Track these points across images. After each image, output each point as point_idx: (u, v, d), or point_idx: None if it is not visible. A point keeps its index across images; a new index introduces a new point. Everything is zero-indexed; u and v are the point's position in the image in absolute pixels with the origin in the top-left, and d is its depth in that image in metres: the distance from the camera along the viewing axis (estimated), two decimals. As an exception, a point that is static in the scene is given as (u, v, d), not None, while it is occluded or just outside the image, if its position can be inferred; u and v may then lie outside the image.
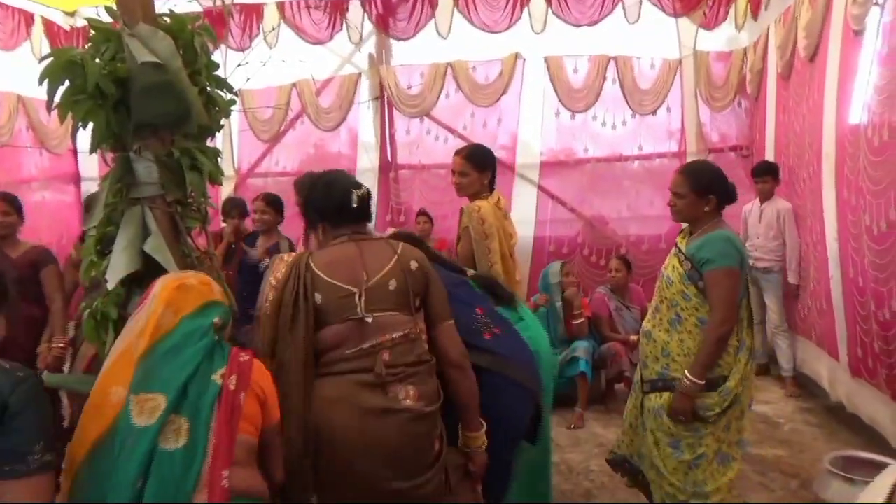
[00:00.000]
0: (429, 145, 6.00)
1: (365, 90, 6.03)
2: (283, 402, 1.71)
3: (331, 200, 2.04)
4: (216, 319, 1.64)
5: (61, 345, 3.43)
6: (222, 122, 2.52)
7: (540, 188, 5.88)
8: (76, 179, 6.38)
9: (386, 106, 6.03)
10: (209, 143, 2.53)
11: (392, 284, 1.92)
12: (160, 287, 1.70)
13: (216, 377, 1.53)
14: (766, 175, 4.59)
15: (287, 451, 1.72)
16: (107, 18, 2.27)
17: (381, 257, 1.96)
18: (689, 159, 5.25)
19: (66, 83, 2.17)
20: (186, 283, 1.70)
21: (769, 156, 5.03)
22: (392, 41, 5.96)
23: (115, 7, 2.28)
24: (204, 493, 1.41)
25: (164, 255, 2.15)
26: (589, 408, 4.19)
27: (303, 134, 6.29)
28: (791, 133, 4.63)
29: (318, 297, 1.86)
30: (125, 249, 2.13)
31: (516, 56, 5.82)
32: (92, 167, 6.37)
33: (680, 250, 2.43)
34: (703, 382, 2.26)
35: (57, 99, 2.11)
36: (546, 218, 5.86)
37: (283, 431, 1.71)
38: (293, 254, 2.06)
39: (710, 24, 5.56)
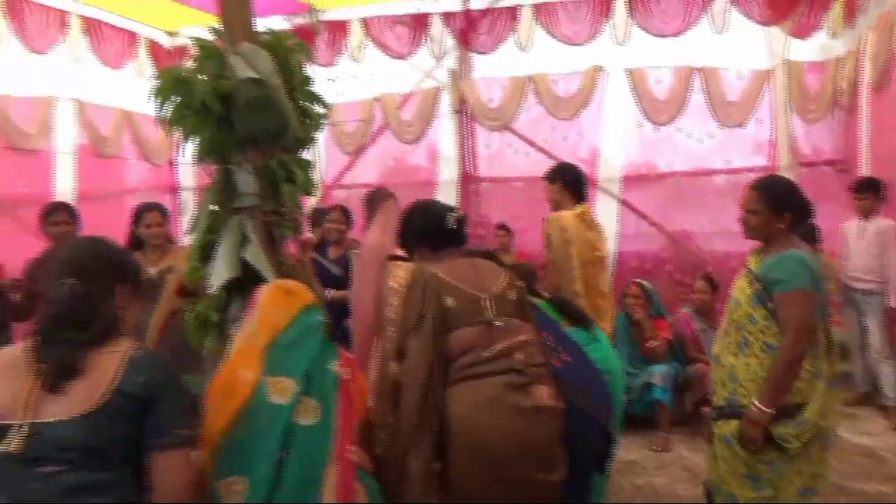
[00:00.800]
0: (509, 158, 5.99)
1: (445, 103, 6.09)
2: (408, 404, 1.81)
3: (429, 224, 2.14)
4: (321, 318, 1.81)
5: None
6: (314, 135, 2.62)
7: (622, 202, 5.77)
8: (174, 189, 6.71)
9: (466, 119, 6.06)
10: (302, 155, 2.62)
11: (511, 296, 2.01)
12: (265, 293, 1.83)
13: (332, 367, 1.70)
14: (868, 192, 4.33)
15: (396, 449, 1.81)
16: (201, 34, 2.39)
17: (494, 272, 2.07)
18: (782, 174, 5.03)
19: (173, 98, 2.32)
20: (289, 289, 1.84)
21: (864, 171, 4.76)
22: (473, 55, 6.00)
23: (219, 27, 2.40)
24: (334, 464, 1.58)
25: (260, 263, 2.24)
26: (674, 430, 4.05)
27: (384, 147, 6.40)
28: (888, 147, 4.36)
29: (449, 300, 1.93)
30: (226, 257, 2.23)
31: (597, 68, 5.75)
32: (188, 178, 6.71)
33: (750, 270, 2.33)
34: (772, 410, 2.15)
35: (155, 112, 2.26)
36: (628, 233, 5.73)
37: (403, 432, 1.81)
38: (403, 262, 2.11)
39: (801, 32, 5.32)
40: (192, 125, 2.25)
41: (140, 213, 3.69)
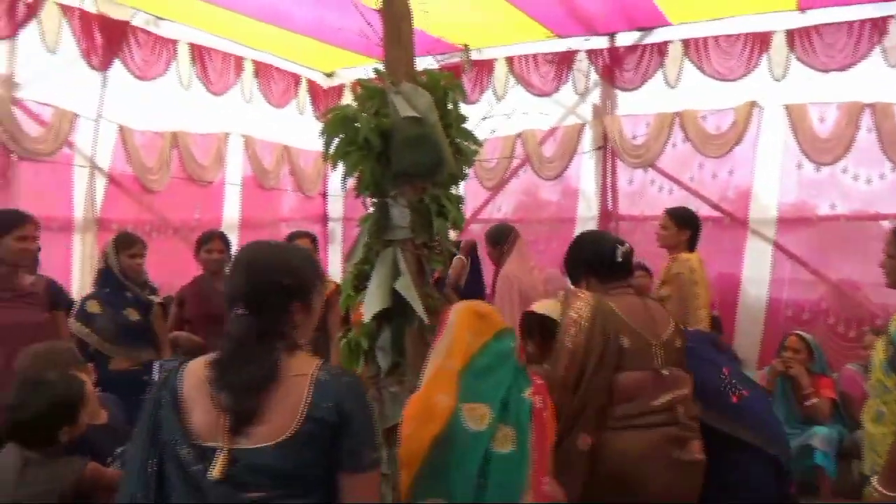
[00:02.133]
0: (652, 196, 5.78)
1: (588, 140, 6.00)
2: (572, 442, 1.82)
3: (599, 255, 2.13)
4: (513, 343, 1.81)
5: None
6: (465, 170, 2.66)
7: (776, 246, 5.35)
8: (324, 220, 7.08)
9: (608, 156, 5.94)
10: (453, 191, 2.66)
11: (677, 343, 1.99)
12: (457, 315, 1.83)
13: (526, 395, 1.69)
14: None
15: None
16: (361, 74, 2.50)
17: (663, 317, 2.05)
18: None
19: (339, 135, 2.45)
20: (480, 311, 1.85)
21: None
22: (617, 91, 5.89)
23: (381, 67, 2.51)
24: (529, 494, 1.59)
25: (411, 294, 2.28)
26: (838, 501, 3.64)
27: (523, 182, 6.41)
28: None
29: (624, 340, 1.94)
30: (379, 287, 2.29)
31: (752, 104, 5.43)
32: (337, 209, 7.07)
33: (888, 333, 2.08)
34: (894, 495, 1.89)
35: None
36: (783, 278, 5.29)
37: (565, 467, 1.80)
38: (583, 292, 2.11)
39: None
40: (355, 160, 2.35)
41: (291, 239, 3.94)
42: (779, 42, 5.26)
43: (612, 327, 1.94)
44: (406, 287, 2.28)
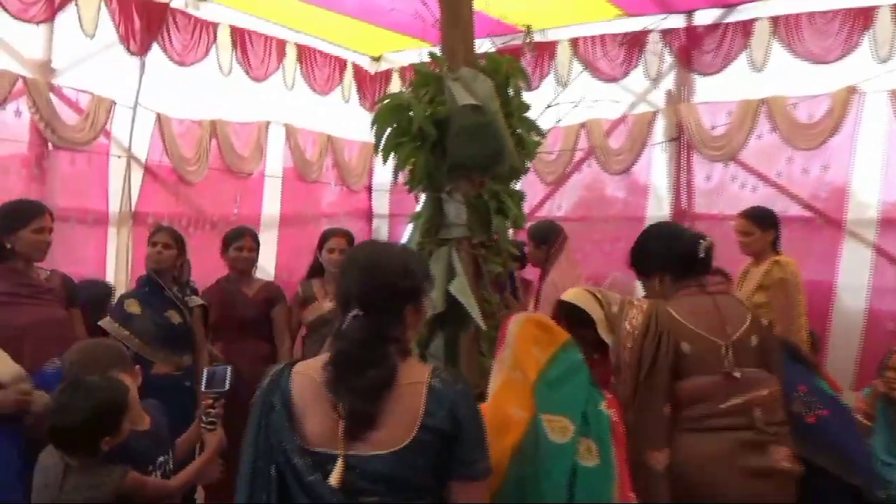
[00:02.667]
0: (732, 194, 5.63)
1: (660, 130, 5.89)
2: (638, 454, 1.84)
3: (676, 250, 2.12)
4: (581, 355, 1.85)
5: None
6: (527, 163, 2.65)
7: (876, 250, 5.15)
8: (368, 216, 7.15)
9: (683, 148, 5.82)
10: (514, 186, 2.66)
11: (753, 341, 1.98)
12: (518, 327, 1.87)
13: (602, 407, 1.75)
14: None
15: None
16: (411, 58, 2.52)
17: (737, 311, 2.04)
18: None
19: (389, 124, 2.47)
20: (542, 322, 1.89)
21: None
22: (695, 76, 5.77)
23: (437, 51, 2.52)
24: None
25: (467, 298, 2.29)
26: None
27: (586, 177, 6.33)
28: None
29: (685, 346, 1.95)
30: (433, 290, 2.31)
31: (851, 90, 5.24)
32: (383, 205, 7.13)
33: None
34: None
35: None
36: (884, 287, 5.08)
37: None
38: (643, 300, 2.12)
39: None
40: (408, 152, 2.39)
41: (326, 237, 4.00)
42: (884, 19, 5.05)
43: (668, 334, 1.96)
44: (461, 290, 2.30)
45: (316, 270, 4.04)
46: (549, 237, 4.19)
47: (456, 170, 2.40)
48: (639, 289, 5.21)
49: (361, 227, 7.04)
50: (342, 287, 1.52)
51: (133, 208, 5.01)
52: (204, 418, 2.26)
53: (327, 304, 3.86)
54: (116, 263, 4.77)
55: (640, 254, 2.28)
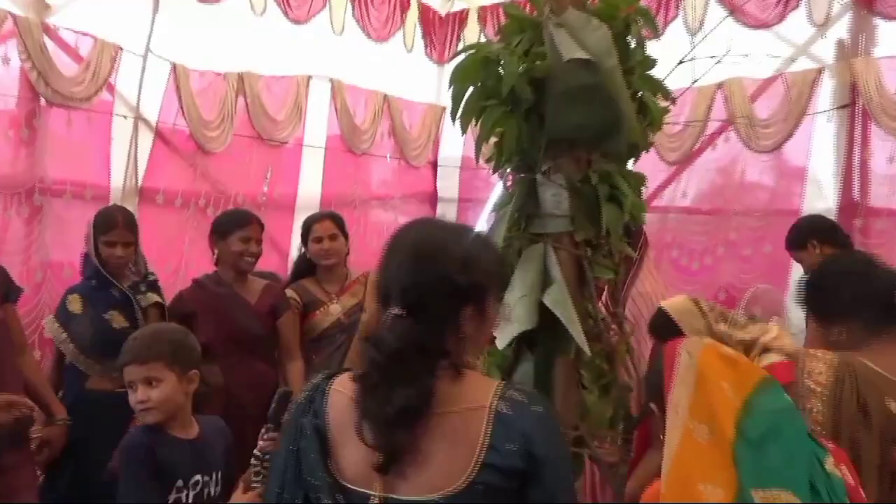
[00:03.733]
0: (926, 181, 5.45)
1: (825, 94, 5.72)
2: None
3: (873, 295, 2.11)
4: (789, 398, 1.79)
5: None
6: (650, 136, 2.62)
7: None
8: (432, 200, 7.22)
9: (858, 118, 5.63)
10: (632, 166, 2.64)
11: None
12: (699, 358, 1.80)
13: (829, 466, 1.67)
14: None
15: None
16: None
17: None
18: None
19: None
20: (727, 354, 1.82)
21: None
22: (878, 20, 5.57)
23: (537, -11, 2.51)
24: None
25: (567, 312, 2.28)
26: None
27: (722, 156, 6.21)
28: None
29: (893, 404, 1.96)
30: (521, 300, 2.31)
31: None
32: (451, 186, 7.18)
33: None
34: None
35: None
36: None
37: None
38: (823, 351, 2.10)
39: None
40: (495, 119, 2.38)
41: (308, 227, 4.06)
42: None
43: (869, 392, 1.95)
44: (560, 301, 2.29)
45: (304, 269, 4.10)
46: (632, 239, 4.18)
47: (557, 144, 2.38)
48: (788, 306, 5.11)
49: (422, 214, 7.10)
50: (382, 276, 1.51)
51: (140, 182, 5.19)
52: (256, 465, 2.38)
53: (336, 307, 3.98)
54: None
55: (824, 297, 2.27)
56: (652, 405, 1.89)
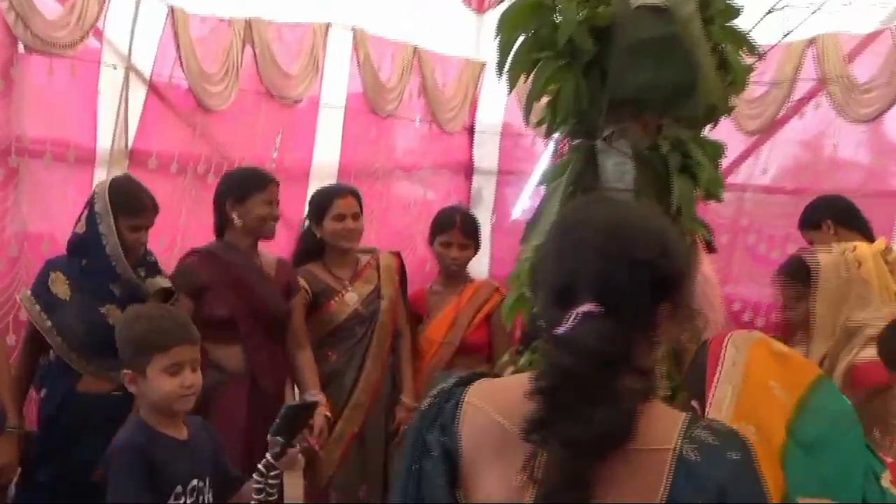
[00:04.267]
0: None
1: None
2: None
3: None
4: (846, 399, 1.82)
5: (326, 413, 3.80)
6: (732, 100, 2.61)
7: None
8: (467, 170, 7.18)
9: None
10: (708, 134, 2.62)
11: None
12: (745, 349, 1.82)
13: (886, 482, 1.70)
14: None
15: None
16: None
17: None
18: None
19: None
20: (778, 350, 1.84)
21: None
22: None
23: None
24: None
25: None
26: None
27: (811, 126, 6.14)
28: None
29: None
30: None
31: None
32: (489, 154, 7.14)
33: None
34: None
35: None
36: None
37: None
38: None
39: None
40: (549, 75, 2.38)
41: (328, 200, 4.03)
42: None
43: None
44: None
45: (312, 250, 4.09)
46: None
47: (621, 105, 2.38)
48: None
49: (455, 188, 7.09)
50: (559, 267, 1.42)
51: (130, 144, 5.19)
52: (260, 481, 2.44)
53: (352, 296, 4.01)
54: None
55: None
56: (694, 403, 1.89)
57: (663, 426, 1.36)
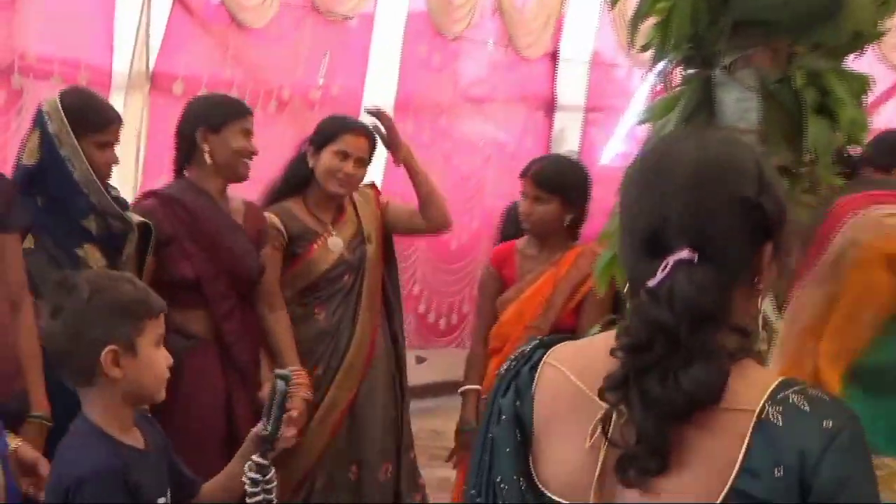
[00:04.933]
0: None
1: None
2: None
3: None
4: None
5: (306, 394, 3.64)
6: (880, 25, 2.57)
7: None
8: (548, 106, 7.18)
9: None
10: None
11: None
12: (861, 238, 1.80)
13: None
14: None
15: None
16: None
17: None
18: None
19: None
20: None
21: None
22: None
23: None
24: None
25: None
26: None
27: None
28: None
29: None
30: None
31: None
32: (575, 89, 7.12)
33: None
34: None
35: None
36: None
37: None
38: None
39: None
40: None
41: (335, 132, 3.91)
42: None
43: None
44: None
45: (292, 185, 3.98)
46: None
47: (747, 28, 2.36)
48: None
49: (533, 126, 7.08)
50: (645, 212, 1.43)
51: (151, 66, 5.27)
52: (257, 491, 2.40)
53: (336, 241, 3.94)
54: (123, 149, 4.93)
55: None
56: None
57: (755, 384, 1.38)
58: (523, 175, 3.92)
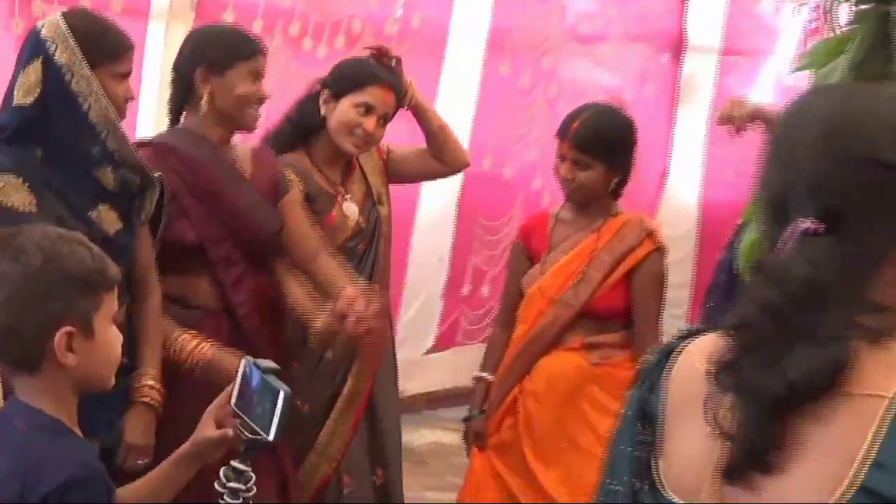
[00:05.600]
0: None
1: None
2: None
3: None
4: None
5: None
6: None
7: None
8: (675, 47, 7.09)
9: None
10: None
11: None
12: None
13: None
14: None
15: None
16: None
17: None
18: None
19: None
20: None
21: None
22: None
23: None
24: None
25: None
26: None
27: None
28: None
29: None
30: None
31: None
32: (709, 28, 7.03)
33: None
34: None
35: None
36: None
37: None
38: None
39: None
40: None
41: (358, 80, 3.86)
42: None
43: None
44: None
45: (300, 134, 3.95)
46: None
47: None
48: None
49: (655, 71, 7.08)
50: (775, 175, 1.50)
51: (198, -10, 5.29)
52: (229, 495, 2.37)
53: (351, 206, 4.00)
54: (162, 85, 4.96)
55: None
56: None
57: (885, 369, 1.39)
58: (561, 135, 3.89)
